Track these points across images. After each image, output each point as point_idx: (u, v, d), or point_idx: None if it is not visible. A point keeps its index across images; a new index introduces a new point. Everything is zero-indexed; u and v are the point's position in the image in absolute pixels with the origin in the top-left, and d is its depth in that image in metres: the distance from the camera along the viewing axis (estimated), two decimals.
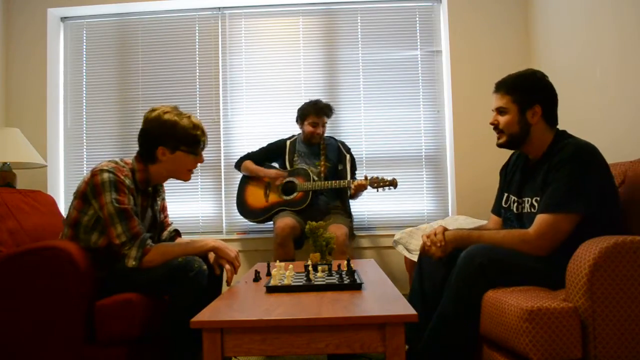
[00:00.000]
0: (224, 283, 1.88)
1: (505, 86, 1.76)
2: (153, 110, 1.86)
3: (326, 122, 3.03)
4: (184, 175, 1.92)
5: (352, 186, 2.82)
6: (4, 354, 1.67)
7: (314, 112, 2.95)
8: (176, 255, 1.74)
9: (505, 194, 1.89)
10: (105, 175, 1.73)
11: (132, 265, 1.70)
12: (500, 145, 1.81)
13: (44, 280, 1.66)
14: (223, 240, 3.05)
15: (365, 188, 2.82)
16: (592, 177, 1.57)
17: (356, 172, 3.08)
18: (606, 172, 1.63)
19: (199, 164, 1.94)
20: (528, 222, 1.71)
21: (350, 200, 3.02)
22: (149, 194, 1.93)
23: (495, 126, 1.80)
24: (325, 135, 3.14)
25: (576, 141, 1.66)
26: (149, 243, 1.74)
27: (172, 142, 1.82)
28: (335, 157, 3.06)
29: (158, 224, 2.03)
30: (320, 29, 3.48)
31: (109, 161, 1.81)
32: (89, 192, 1.75)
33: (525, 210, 1.75)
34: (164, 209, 2.11)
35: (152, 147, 1.83)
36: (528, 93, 1.72)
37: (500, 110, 1.77)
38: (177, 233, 2.14)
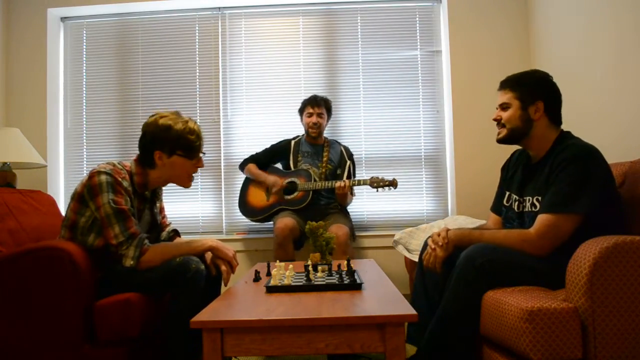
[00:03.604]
0: (222, 283, 1.88)
1: (509, 83, 1.80)
2: (153, 115, 1.87)
3: (323, 114, 3.04)
4: (185, 181, 1.91)
5: (335, 186, 2.82)
6: (4, 354, 1.67)
7: (309, 102, 3.06)
8: (174, 255, 1.74)
9: (507, 193, 1.90)
10: (103, 177, 1.73)
11: (130, 265, 1.70)
12: (500, 140, 1.83)
13: (44, 280, 1.66)
14: (223, 240, 3.04)
15: (344, 190, 2.81)
16: (594, 178, 1.58)
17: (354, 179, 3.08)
18: (607, 173, 1.64)
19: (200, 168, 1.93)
20: (529, 220, 1.72)
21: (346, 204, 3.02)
22: (147, 198, 1.93)
23: (498, 121, 1.82)
24: (330, 138, 3.18)
25: (579, 142, 1.67)
26: (147, 243, 1.74)
27: (167, 146, 1.82)
28: (337, 160, 3.07)
29: (157, 227, 2.02)
30: (320, 29, 3.48)
31: (107, 163, 1.81)
32: (85, 193, 1.75)
33: (527, 209, 1.75)
34: (161, 209, 2.10)
35: (149, 151, 1.83)
36: (530, 89, 1.74)
37: (503, 107, 1.80)
38: (175, 233, 2.14)
